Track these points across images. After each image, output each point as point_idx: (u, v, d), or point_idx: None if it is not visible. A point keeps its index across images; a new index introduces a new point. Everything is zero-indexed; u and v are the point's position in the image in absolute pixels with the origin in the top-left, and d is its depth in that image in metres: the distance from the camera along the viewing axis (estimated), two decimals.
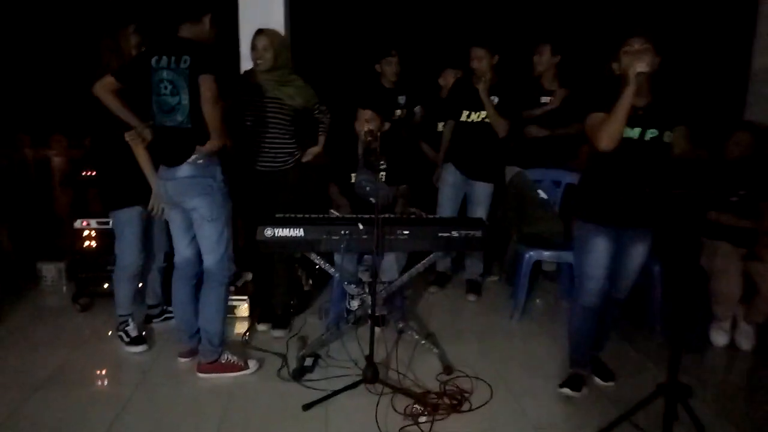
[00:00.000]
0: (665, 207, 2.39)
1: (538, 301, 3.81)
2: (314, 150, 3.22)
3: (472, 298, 3.80)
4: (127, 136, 2.70)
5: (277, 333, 3.18)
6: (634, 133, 2.35)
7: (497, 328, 3.42)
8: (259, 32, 3.00)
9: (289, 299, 3.35)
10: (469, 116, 3.58)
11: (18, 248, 4.09)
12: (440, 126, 3.92)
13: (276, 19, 4.01)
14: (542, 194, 3.71)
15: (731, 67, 4.41)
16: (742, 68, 4.35)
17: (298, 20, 4.27)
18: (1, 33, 4.51)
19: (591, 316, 2.57)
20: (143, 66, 2.50)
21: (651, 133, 2.36)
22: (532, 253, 3.43)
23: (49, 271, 3.91)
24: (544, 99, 3.87)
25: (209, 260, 2.61)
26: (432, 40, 4.88)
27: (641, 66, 2.20)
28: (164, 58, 2.45)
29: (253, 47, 2.98)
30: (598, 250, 2.46)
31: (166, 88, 2.46)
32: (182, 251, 2.72)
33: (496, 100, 3.47)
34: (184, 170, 2.50)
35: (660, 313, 3.32)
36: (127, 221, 2.85)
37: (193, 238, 2.66)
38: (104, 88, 2.54)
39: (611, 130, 2.25)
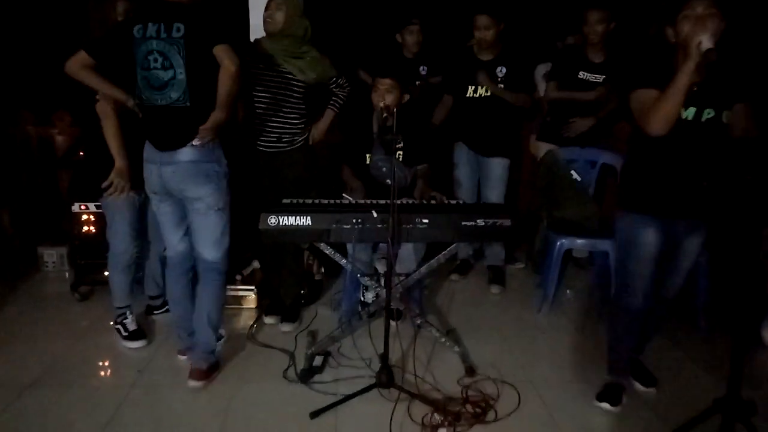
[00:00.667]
0: (727, 195, 2.07)
1: (568, 292, 3.50)
2: (320, 127, 2.91)
3: (495, 290, 3.50)
4: (98, 108, 2.46)
5: (286, 327, 2.95)
6: (689, 113, 2.02)
7: (524, 322, 3.14)
8: None
9: (298, 289, 3.11)
10: (476, 91, 3.29)
11: (20, 231, 3.92)
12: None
13: None
14: (575, 175, 3.38)
15: None
16: None
17: None
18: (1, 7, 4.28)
19: (635, 319, 2.27)
20: (122, 37, 2.20)
21: (707, 113, 2.03)
22: (564, 240, 3.13)
23: (51, 256, 3.73)
24: (585, 75, 3.37)
25: (213, 254, 2.37)
26: (457, 6, 4.52)
27: (706, 37, 1.84)
28: (150, 26, 2.15)
29: (267, 5, 2.70)
30: (647, 243, 2.15)
31: (156, 61, 2.16)
32: (176, 245, 2.45)
33: (503, 70, 3.23)
34: (186, 154, 2.22)
35: (705, 307, 3.00)
36: (117, 207, 2.61)
37: (187, 230, 2.41)
38: (78, 65, 2.22)
39: (666, 111, 1.91)
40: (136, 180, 2.52)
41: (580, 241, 3.16)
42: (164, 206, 2.39)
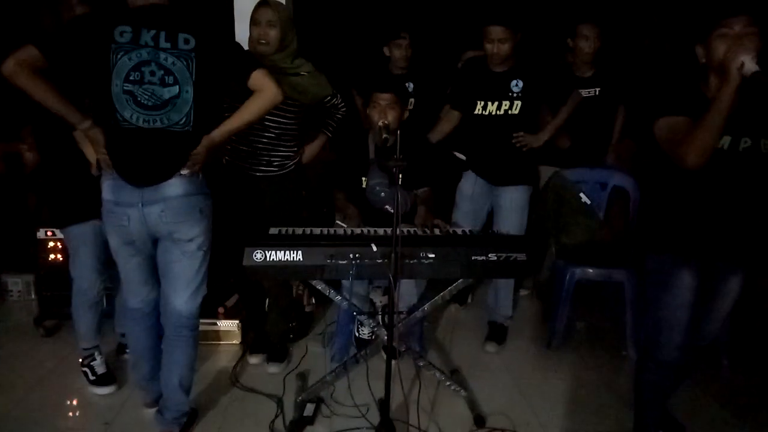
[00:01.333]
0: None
1: (578, 324, 3.25)
2: (310, 151, 2.68)
3: (491, 348, 2.93)
4: (77, 136, 2.15)
5: (273, 368, 2.66)
6: (724, 142, 1.80)
7: (533, 359, 2.89)
8: (263, 3, 2.41)
9: (286, 324, 2.83)
10: (485, 108, 2.76)
11: None
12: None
13: None
14: (584, 198, 3.16)
15: None
16: None
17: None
18: None
19: (670, 374, 2.01)
20: (95, 38, 1.78)
21: (744, 143, 1.81)
22: (576, 270, 2.89)
23: (16, 284, 3.42)
24: (581, 92, 3.13)
25: (190, 305, 2.04)
26: (448, 18, 4.32)
27: (749, 58, 1.62)
28: (144, 32, 1.79)
29: (255, 22, 2.39)
30: (682, 287, 1.90)
31: (153, 74, 1.80)
32: (146, 294, 2.11)
33: (520, 84, 2.70)
34: (176, 187, 1.88)
35: (727, 346, 2.77)
36: (81, 238, 2.32)
37: (156, 277, 2.10)
38: (21, 65, 1.70)
39: (704, 142, 1.69)
40: (98, 207, 2.21)
41: (592, 271, 2.92)
42: (136, 259, 2.02)
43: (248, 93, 1.93)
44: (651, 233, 2.01)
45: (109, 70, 1.79)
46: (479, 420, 2.28)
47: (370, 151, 2.66)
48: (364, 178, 2.62)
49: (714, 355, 2.76)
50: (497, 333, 2.99)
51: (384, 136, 2.33)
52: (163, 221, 1.88)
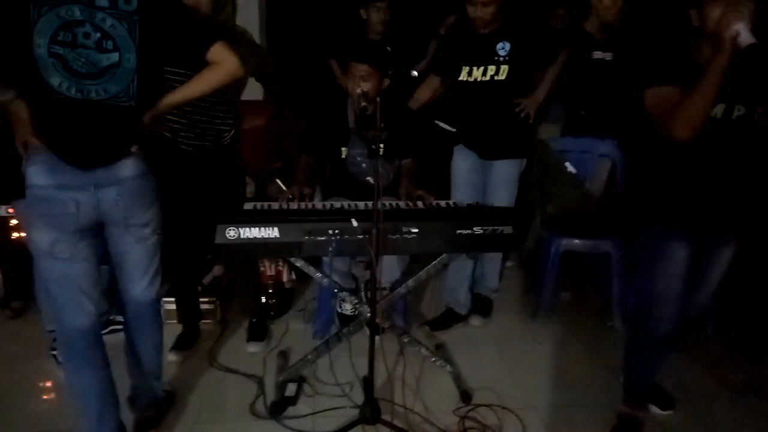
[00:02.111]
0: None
1: (564, 295, 3.21)
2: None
3: (477, 322, 2.86)
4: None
5: (252, 347, 2.58)
6: (717, 110, 1.73)
7: (519, 332, 2.85)
8: None
9: (258, 300, 2.74)
10: (470, 73, 2.54)
11: None
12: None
13: None
14: (570, 167, 3.09)
15: None
16: None
17: None
18: None
19: (661, 347, 1.98)
20: None
21: (738, 110, 1.74)
22: (562, 241, 2.83)
23: None
24: (599, 54, 2.96)
25: (151, 290, 1.87)
26: None
27: (743, 26, 1.53)
28: None
29: None
30: (675, 259, 1.85)
31: (87, 36, 1.53)
32: (98, 301, 1.76)
33: (506, 47, 2.48)
34: (129, 167, 1.67)
35: (713, 315, 2.75)
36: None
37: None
38: None
39: (694, 114, 1.62)
40: None
41: (579, 242, 2.86)
42: (84, 253, 1.68)
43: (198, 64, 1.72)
44: (643, 206, 1.94)
45: (29, 27, 1.49)
46: (466, 396, 2.23)
47: (349, 121, 2.54)
48: (343, 149, 2.51)
49: (699, 325, 2.74)
50: (483, 306, 2.92)
51: (362, 104, 2.22)
52: (119, 206, 1.67)
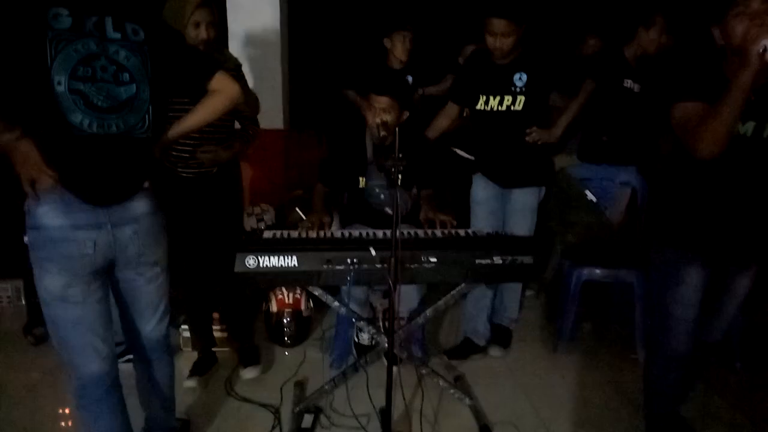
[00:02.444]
0: None
1: (585, 325, 3.15)
2: (221, 155, 2.35)
3: (496, 352, 2.81)
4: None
5: (250, 373, 2.54)
6: (747, 128, 1.69)
7: (539, 363, 2.79)
8: (205, 3, 2.15)
9: (247, 322, 2.73)
10: (487, 103, 2.55)
11: None
12: None
13: None
14: (590, 195, 3.06)
15: None
16: None
17: None
18: None
19: (678, 367, 1.93)
20: (25, 21, 1.42)
21: None
22: (583, 271, 2.79)
23: (5, 290, 3.32)
24: (630, 83, 2.96)
25: (163, 327, 1.84)
26: (447, 10, 4.20)
27: (764, 34, 1.49)
28: (87, 18, 1.48)
29: (195, 24, 2.12)
30: (690, 283, 1.82)
31: (105, 69, 1.50)
32: (111, 344, 1.69)
33: (524, 78, 2.49)
34: (144, 204, 1.65)
35: (740, 343, 2.67)
36: None
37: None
38: None
39: (718, 130, 1.57)
40: None
41: (600, 272, 2.82)
42: (98, 295, 1.61)
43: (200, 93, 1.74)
44: (660, 226, 1.91)
45: (48, 65, 1.42)
46: (485, 430, 2.18)
47: (368, 151, 2.56)
48: (362, 178, 2.53)
49: (727, 357, 2.66)
50: (502, 336, 2.87)
51: (382, 134, 2.24)
52: (134, 244, 1.63)
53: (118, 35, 1.53)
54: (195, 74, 1.71)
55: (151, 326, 1.80)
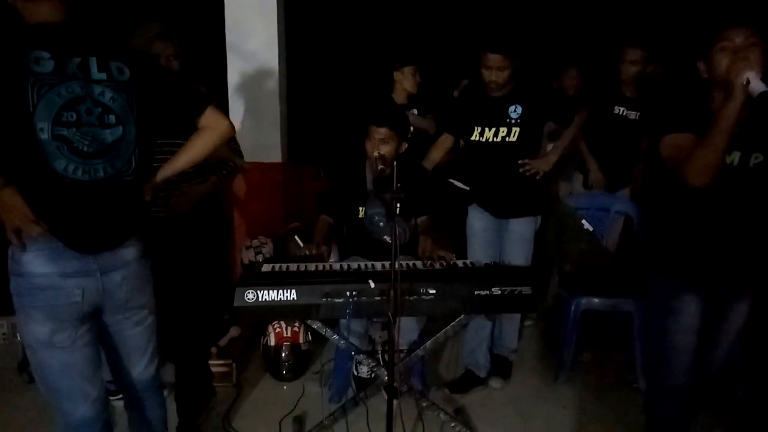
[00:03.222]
0: None
1: (585, 355, 3.14)
2: (196, 191, 2.26)
3: (496, 384, 2.80)
4: None
5: None
6: (733, 158, 1.73)
7: (540, 394, 2.77)
8: (165, 36, 2.16)
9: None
10: (482, 134, 2.60)
11: None
12: None
13: (269, 11, 3.51)
14: (587, 225, 3.08)
15: None
16: None
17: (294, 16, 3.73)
18: None
19: (679, 400, 1.92)
20: (5, 66, 1.37)
21: (755, 158, 1.74)
22: (582, 300, 2.79)
23: (1, 326, 3.28)
24: (621, 110, 3.11)
25: (151, 368, 1.76)
26: (446, 46, 4.30)
27: (753, 75, 1.54)
28: (69, 60, 1.43)
29: (156, 57, 2.09)
30: (688, 314, 1.82)
31: (90, 113, 1.45)
32: (101, 388, 1.62)
33: (518, 110, 2.55)
34: (133, 249, 1.61)
35: (741, 374, 2.66)
36: None
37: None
38: None
39: (707, 160, 1.61)
40: None
41: (598, 301, 2.82)
42: (84, 340, 1.53)
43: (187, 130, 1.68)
44: (655, 256, 1.93)
45: (30, 112, 1.37)
46: None
47: (367, 182, 2.59)
48: (361, 208, 2.54)
49: (728, 385, 2.65)
50: (502, 367, 2.86)
51: (380, 166, 2.27)
52: (123, 290, 1.58)
53: (103, 75, 1.48)
54: (184, 111, 1.65)
55: (140, 369, 1.73)
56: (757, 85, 1.54)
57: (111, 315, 1.62)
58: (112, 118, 1.50)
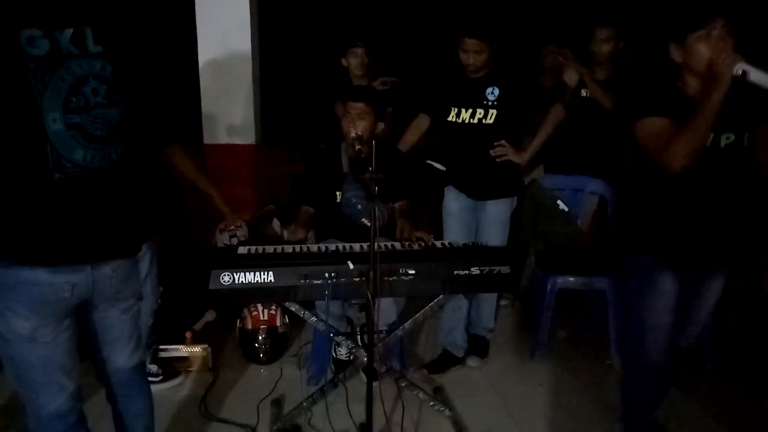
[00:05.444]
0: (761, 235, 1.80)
1: (561, 333, 3.18)
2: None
3: (474, 362, 2.81)
4: None
5: None
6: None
7: (517, 372, 2.81)
8: None
9: None
10: (459, 115, 2.59)
11: None
12: None
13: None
14: (562, 205, 3.11)
15: None
16: None
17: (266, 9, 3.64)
18: None
19: (656, 376, 1.96)
20: None
21: (727, 138, 1.76)
22: (557, 279, 2.82)
23: None
24: (587, 93, 3.05)
25: (136, 356, 1.68)
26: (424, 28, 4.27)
27: (743, 64, 1.56)
28: (59, 32, 1.26)
29: None
30: (665, 291, 1.86)
31: (96, 93, 1.33)
32: (76, 382, 1.52)
33: (495, 91, 2.53)
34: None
35: (711, 348, 2.73)
36: None
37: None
38: None
39: (690, 145, 1.65)
40: None
41: (573, 279, 2.86)
42: (67, 334, 1.45)
43: None
44: (632, 234, 1.95)
45: (37, 104, 1.23)
46: None
47: (343, 165, 2.56)
48: (338, 192, 2.51)
49: (698, 358, 2.72)
50: (479, 347, 2.88)
51: (357, 147, 2.24)
52: (112, 282, 1.50)
53: (99, 48, 1.33)
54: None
55: (125, 357, 1.64)
56: (759, 76, 1.55)
57: (98, 305, 1.54)
58: (117, 94, 1.39)
